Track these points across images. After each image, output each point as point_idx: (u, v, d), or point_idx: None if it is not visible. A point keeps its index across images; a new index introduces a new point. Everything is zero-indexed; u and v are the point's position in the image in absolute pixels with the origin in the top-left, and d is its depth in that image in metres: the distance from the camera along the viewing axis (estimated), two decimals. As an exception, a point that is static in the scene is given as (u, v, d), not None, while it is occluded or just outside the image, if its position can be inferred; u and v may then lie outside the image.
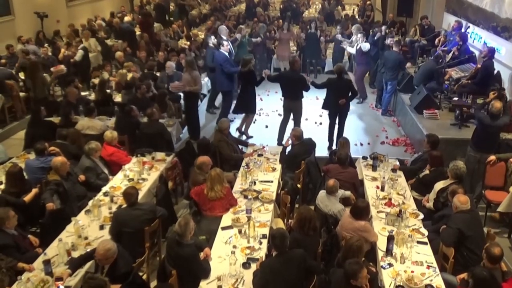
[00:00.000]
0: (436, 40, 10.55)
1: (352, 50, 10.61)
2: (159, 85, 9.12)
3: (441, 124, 7.86)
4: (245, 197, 5.48)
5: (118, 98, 8.67)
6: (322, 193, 5.40)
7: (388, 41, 9.95)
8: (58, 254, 4.33)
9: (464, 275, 4.10)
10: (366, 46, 9.90)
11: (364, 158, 6.66)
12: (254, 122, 8.74)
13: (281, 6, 17.45)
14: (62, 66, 9.74)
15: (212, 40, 9.40)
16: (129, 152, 6.74)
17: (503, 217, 6.15)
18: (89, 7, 15.27)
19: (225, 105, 8.96)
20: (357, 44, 10.18)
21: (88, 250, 4.39)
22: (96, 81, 9.24)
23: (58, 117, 7.70)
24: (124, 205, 4.95)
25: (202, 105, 9.73)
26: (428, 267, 4.30)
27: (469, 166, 6.09)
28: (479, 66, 8.38)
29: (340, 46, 11.52)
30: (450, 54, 9.17)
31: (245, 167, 6.24)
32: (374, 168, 6.28)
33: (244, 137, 8.34)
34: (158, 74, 9.71)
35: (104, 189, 5.71)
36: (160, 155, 6.61)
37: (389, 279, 4.15)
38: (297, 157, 6.52)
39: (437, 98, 8.62)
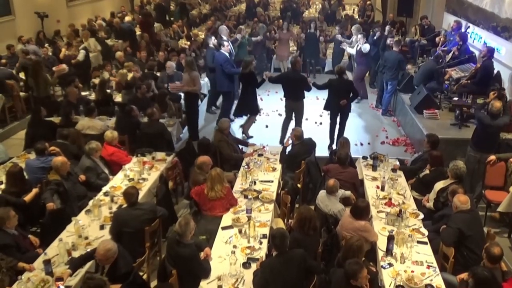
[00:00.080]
0: (437, 39, 10.55)
1: (352, 51, 10.61)
2: (160, 85, 9.13)
3: (441, 124, 7.86)
4: (245, 197, 5.48)
5: (118, 98, 8.68)
6: (322, 193, 5.40)
7: (388, 41, 9.96)
8: (58, 254, 4.33)
9: (464, 275, 4.09)
10: (366, 47, 9.91)
11: (364, 158, 6.66)
12: (254, 122, 8.75)
13: (281, 6, 17.46)
14: (64, 66, 9.77)
15: (213, 40, 9.40)
16: (130, 152, 6.74)
17: (503, 217, 6.16)
18: (90, 7, 15.27)
19: (225, 105, 8.96)
20: (357, 45, 10.19)
21: (89, 250, 4.39)
22: (96, 81, 9.25)
23: (58, 117, 7.72)
24: (125, 205, 4.95)
25: (202, 105, 9.73)
26: (428, 267, 4.30)
27: (469, 166, 6.10)
28: (478, 66, 8.39)
29: (340, 47, 11.52)
30: (450, 54, 9.18)
31: (245, 167, 6.24)
32: (374, 168, 6.29)
33: (244, 137, 8.35)
34: (158, 74, 9.72)
35: (104, 189, 5.71)
36: (160, 155, 6.62)
37: (389, 279, 4.16)
38: (297, 157, 6.52)
39: (437, 98, 8.62)
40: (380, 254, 4.49)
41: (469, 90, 8.19)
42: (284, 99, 8.12)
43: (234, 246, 4.55)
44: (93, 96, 8.77)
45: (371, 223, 4.95)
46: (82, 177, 5.82)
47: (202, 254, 4.37)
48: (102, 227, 4.88)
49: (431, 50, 10.66)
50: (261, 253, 4.50)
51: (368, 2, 16.79)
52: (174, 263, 4.22)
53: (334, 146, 7.82)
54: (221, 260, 4.38)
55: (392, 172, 6.20)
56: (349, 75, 10.68)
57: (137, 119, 7.39)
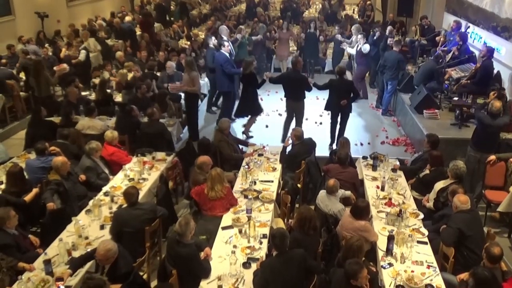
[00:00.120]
0: (437, 39, 10.55)
1: (352, 51, 10.61)
2: (160, 85, 9.14)
3: (441, 124, 7.86)
4: (246, 197, 5.48)
5: (118, 98, 8.68)
6: (322, 192, 5.40)
7: (388, 41, 9.96)
8: (58, 254, 4.33)
9: (464, 275, 4.09)
10: (366, 48, 9.90)
11: (364, 158, 6.66)
12: (254, 122, 8.75)
13: (281, 6, 17.45)
14: (65, 65, 9.77)
15: (213, 41, 9.40)
16: (130, 152, 6.75)
17: (503, 217, 6.16)
18: (90, 7, 15.28)
19: (225, 105, 8.96)
20: (357, 45, 10.19)
21: (89, 250, 4.40)
22: (96, 81, 9.25)
23: (58, 117, 7.72)
24: (125, 205, 4.95)
25: (202, 105, 9.73)
26: (428, 266, 4.30)
27: (469, 166, 6.10)
28: (478, 66, 8.38)
29: (340, 47, 11.52)
30: (450, 54, 9.18)
31: (246, 166, 6.24)
32: (374, 168, 6.29)
33: (244, 137, 8.35)
34: (158, 74, 9.73)
35: (104, 189, 5.71)
36: (160, 155, 6.62)
37: (389, 278, 4.16)
38: (297, 157, 6.53)
39: (437, 98, 8.62)
40: (380, 254, 4.50)
41: (469, 90, 8.19)
42: (284, 99, 8.12)
43: (234, 246, 4.55)
44: (93, 96, 8.78)
45: (371, 223, 4.95)
46: (82, 177, 5.82)
47: (202, 254, 4.37)
48: (102, 227, 4.89)
49: (431, 50, 10.66)
50: (261, 253, 4.50)
51: (368, 2, 16.79)
52: (174, 263, 4.22)
53: (334, 146, 7.82)
54: (221, 260, 4.38)
55: (392, 172, 6.19)
56: (349, 75, 10.68)
57: (137, 119, 7.39)
